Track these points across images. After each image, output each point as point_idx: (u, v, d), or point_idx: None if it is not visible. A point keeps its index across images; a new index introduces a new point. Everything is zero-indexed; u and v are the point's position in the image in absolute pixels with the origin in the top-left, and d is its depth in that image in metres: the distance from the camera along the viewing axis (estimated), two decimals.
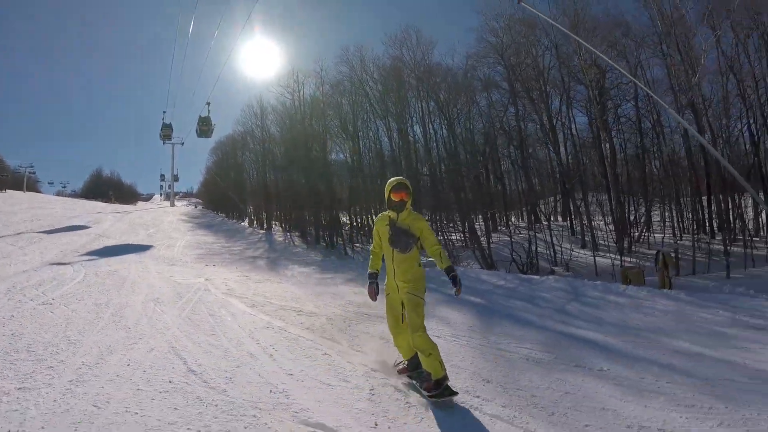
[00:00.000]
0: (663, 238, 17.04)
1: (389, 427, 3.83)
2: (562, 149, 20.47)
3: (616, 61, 19.02)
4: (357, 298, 9.16)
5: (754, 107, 17.62)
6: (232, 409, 4.01)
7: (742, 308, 7.97)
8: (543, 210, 20.70)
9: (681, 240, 17.20)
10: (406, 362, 4.89)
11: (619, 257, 15.06)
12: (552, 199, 21.30)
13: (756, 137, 17.71)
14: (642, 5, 17.84)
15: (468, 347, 6.07)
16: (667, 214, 18.66)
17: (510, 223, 21.28)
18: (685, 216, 18.80)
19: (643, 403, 4.30)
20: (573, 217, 19.09)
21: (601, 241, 17.23)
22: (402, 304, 4.66)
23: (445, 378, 4.33)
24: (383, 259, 4.85)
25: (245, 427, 3.70)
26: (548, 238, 16.57)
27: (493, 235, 19.33)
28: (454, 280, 4.42)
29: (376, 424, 3.85)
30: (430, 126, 22.49)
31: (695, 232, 17.14)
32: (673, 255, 14.10)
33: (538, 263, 15.59)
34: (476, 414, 4.09)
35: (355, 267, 14.58)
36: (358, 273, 12.91)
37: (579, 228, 18.34)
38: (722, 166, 17.22)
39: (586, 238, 17.34)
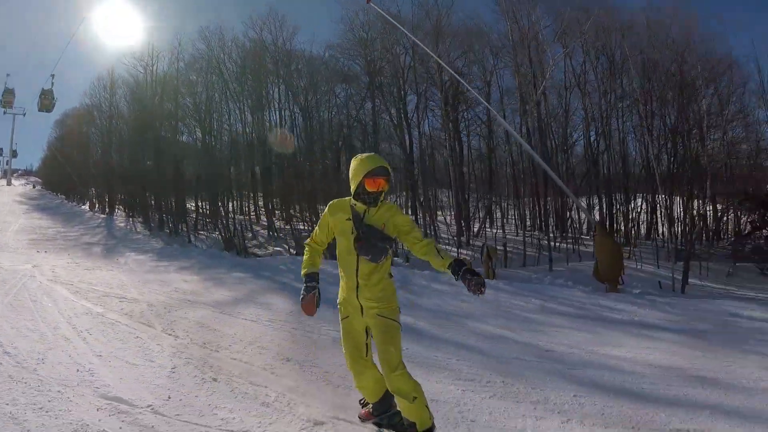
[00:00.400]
0: (496, 234, 19.12)
1: (180, 399, 4.35)
2: (416, 146, 22.08)
3: (471, 66, 21.05)
4: (185, 286, 9.74)
5: (596, 120, 20.36)
6: (39, 385, 4.50)
7: (554, 297, 9.32)
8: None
9: (517, 236, 19.40)
10: (371, 406, 3.85)
11: (456, 249, 16.81)
12: (403, 193, 22.88)
13: (593, 146, 20.59)
14: (503, 18, 19.45)
15: (281, 330, 6.75)
16: (499, 212, 20.89)
17: None
18: (526, 214, 21.30)
19: (427, 377, 4.76)
20: (418, 211, 20.78)
21: (444, 235, 18.98)
22: (366, 330, 3.65)
23: (434, 427, 3.55)
24: (333, 265, 3.85)
25: (49, 401, 4.19)
26: None
27: None
28: (473, 274, 3.28)
29: (170, 397, 4.38)
30: (287, 113, 22.77)
31: (528, 228, 19.57)
32: (501, 248, 16.12)
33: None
34: (267, 390, 4.60)
35: (195, 255, 14.90)
36: (197, 261, 13.40)
37: (422, 221, 20.04)
38: (560, 171, 19.78)
39: (428, 231, 18.98)
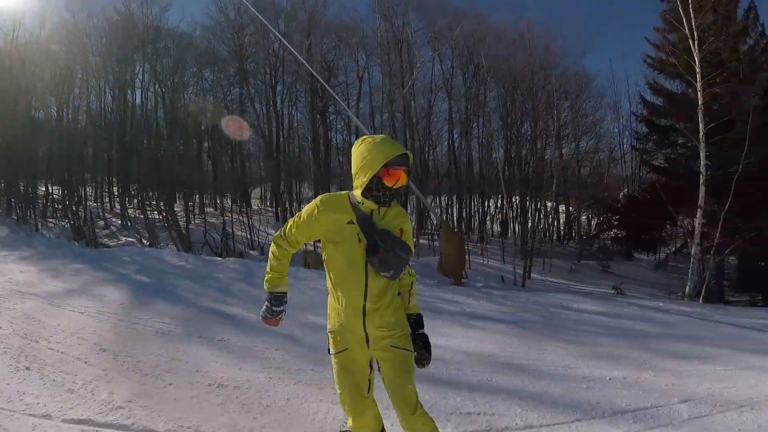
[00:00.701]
0: None
1: None
2: (282, 137, 23.09)
3: (339, 62, 22.35)
4: (20, 276, 9.66)
5: (460, 123, 22.30)
6: None
7: None
8: (254, 195, 23.06)
9: None
10: None
11: (313, 243, 18.02)
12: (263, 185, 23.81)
13: (455, 147, 22.56)
14: (377, 16, 20.61)
15: (106, 322, 6.80)
16: None
17: (224, 205, 22.94)
18: None
19: (238, 366, 5.16)
20: (278, 203, 21.83)
21: None
22: (370, 364, 3.03)
23: None
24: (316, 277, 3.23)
25: None
26: (249, 222, 18.69)
27: (200, 216, 21.02)
28: (423, 342, 2.97)
29: None
30: (152, 94, 23.12)
31: None
32: None
33: (234, 246, 17.00)
34: (75, 378, 4.73)
35: (39, 245, 14.38)
36: (39, 251, 13.04)
37: (282, 214, 21.14)
38: (425, 170, 21.54)
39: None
